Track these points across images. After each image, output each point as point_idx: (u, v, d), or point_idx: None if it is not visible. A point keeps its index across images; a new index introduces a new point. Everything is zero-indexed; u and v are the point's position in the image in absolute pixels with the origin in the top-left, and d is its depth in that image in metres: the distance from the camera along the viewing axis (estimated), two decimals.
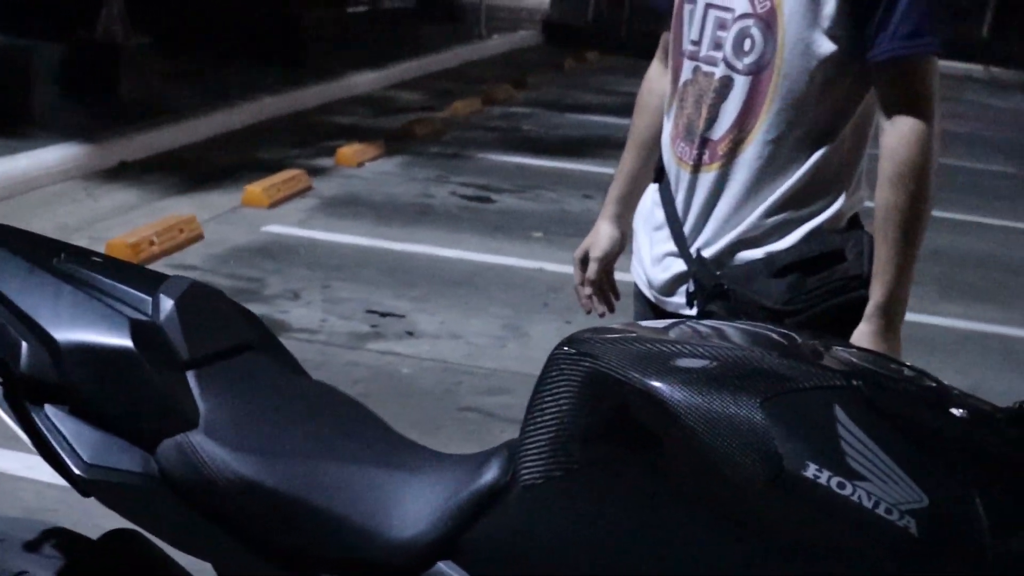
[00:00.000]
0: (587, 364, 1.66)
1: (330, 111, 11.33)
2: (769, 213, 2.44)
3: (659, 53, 2.74)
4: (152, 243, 6.38)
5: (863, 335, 2.32)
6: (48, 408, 1.93)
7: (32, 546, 2.10)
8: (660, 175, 2.62)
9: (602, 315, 2.82)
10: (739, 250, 2.47)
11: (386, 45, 14.22)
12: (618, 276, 2.86)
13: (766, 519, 1.57)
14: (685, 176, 2.51)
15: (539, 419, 1.69)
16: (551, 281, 6.37)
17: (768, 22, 2.36)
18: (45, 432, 1.91)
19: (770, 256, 2.43)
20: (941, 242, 7.91)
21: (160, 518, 1.94)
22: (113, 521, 2.07)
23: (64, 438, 1.91)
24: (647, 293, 2.64)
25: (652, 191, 2.65)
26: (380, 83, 13.09)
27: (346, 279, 6.35)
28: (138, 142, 8.70)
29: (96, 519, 2.16)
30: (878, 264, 2.34)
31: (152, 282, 2.04)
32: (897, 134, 2.31)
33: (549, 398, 1.68)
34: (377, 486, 1.81)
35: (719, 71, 2.43)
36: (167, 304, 1.98)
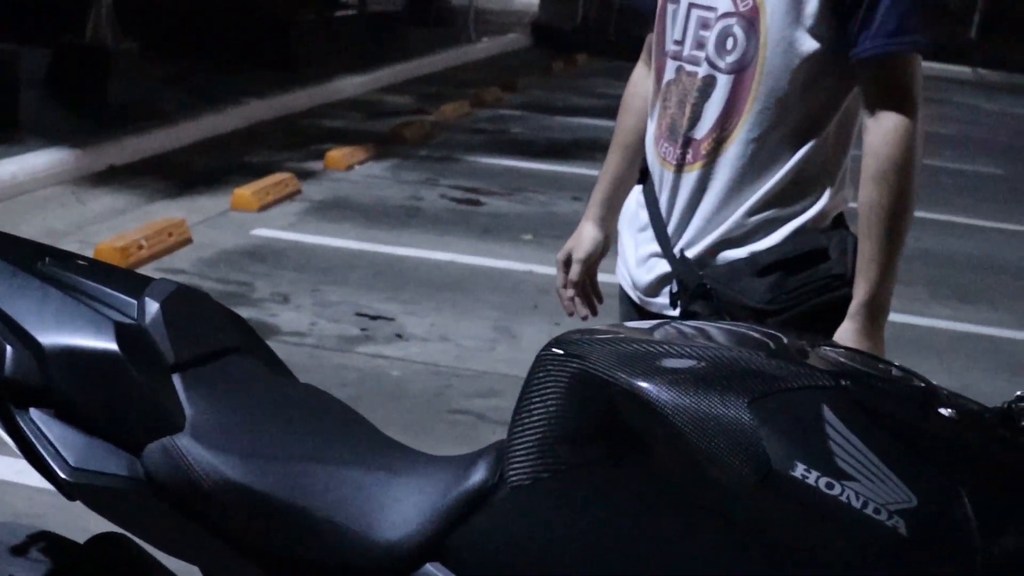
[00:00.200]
0: (574, 365, 1.65)
1: (319, 115, 11.32)
2: (752, 212, 2.44)
3: (643, 55, 2.74)
4: (141, 247, 6.36)
5: (847, 333, 2.32)
6: (33, 412, 1.92)
7: (18, 550, 2.09)
8: (644, 176, 2.62)
9: (584, 318, 2.80)
10: (722, 250, 2.46)
11: (375, 49, 14.21)
12: (603, 278, 2.85)
13: (754, 519, 1.57)
14: (668, 176, 2.50)
15: (526, 420, 1.68)
16: (541, 283, 6.37)
17: (751, 20, 2.36)
18: (30, 436, 1.90)
19: (753, 255, 2.43)
20: (930, 243, 7.93)
21: (146, 521, 1.93)
22: (104, 527, 2.06)
23: (49, 442, 1.90)
24: (632, 295, 2.64)
25: (636, 192, 2.65)
26: (369, 87, 13.09)
27: (335, 282, 6.34)
28: (127, 146, 8.68)
29: (86, 524, 2.15)
30: (862, 262, 2.34)
31: (137, 285, 2.03)
32: (881, 132, 2.31)
33: (536, 399, 1.68)
34: (364, 488, 1.80)
35: (702, 70, 2.43)
36: (152, 307, 1.97)
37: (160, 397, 1.89)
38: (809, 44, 2.34)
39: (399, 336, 5.64)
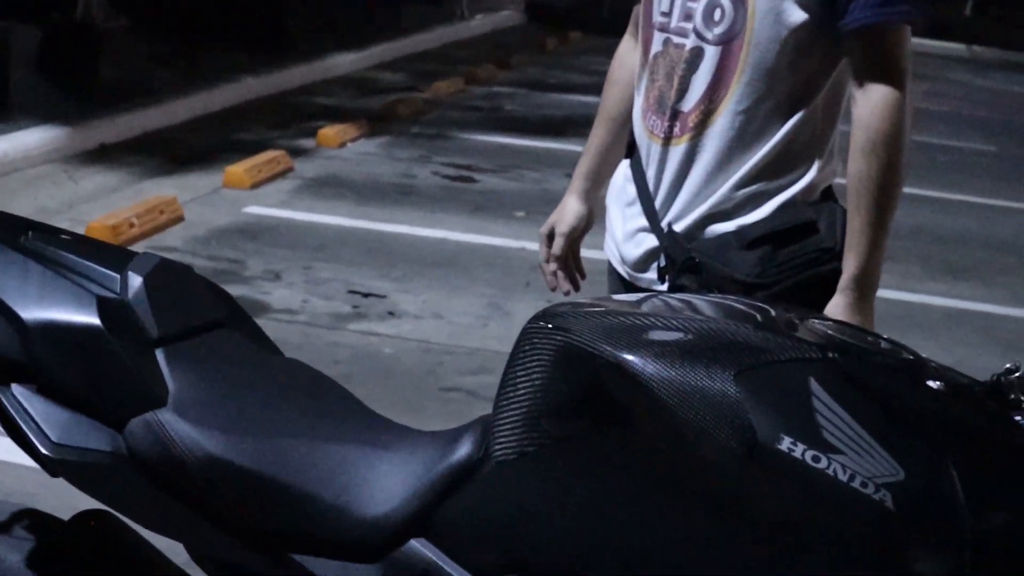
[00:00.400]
0: (559, 338, 1.64)
1: (311, 92, 11.27)
2: (740, 185, 2.42)
3: (631, 27, 2.72)
4: (132, 225, 6.34)
5: (836, 307, 2.30)
6: (15, 387, 1.90)
7: (2, 528, 2.08)
8: (632, 150, 2.59)
9: (567, 293, 2.77)
10: (710, 223, 2.44)
11: (368, 26, 14.14)
12: (590, 254, 2.82)
13: (740, 492, 1.55)
14: (656, 149, 2.48)
15: (512, 394, 1.67)
16: (533, 260, 6.27)
17: None
18: (12, 412, 1.88)
19: (741, 229, 2.41)
20: (923, 220, 7.91)
21: (129, 497, 1.91)
22: (93, 504, 2.05)
23: (31, 418, 1.88)
24: (620, 270, 2.62)
25: (624, 167, 2.63)
26: (362, 64, 13.03)
27: (328, 260, 6.33)
28: (119, 124, 8.64)
29: (77, 503, 2.13)
30: (851, 236, 2.32)
31: (121, 260, 2.01)
32: (870, 103, 2.30)
33: (522, 373, 1.67)
34: (349, 463, 1.79)
35: (689, 42, 2.41)
36: (136, 281, 1.95)
37: (143, 372, 1.88)
38: (797, 15, 2.32)
39: (391, 313, 5.63)
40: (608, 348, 1.60)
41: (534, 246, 6.45)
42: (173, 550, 2.03)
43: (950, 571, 1.53)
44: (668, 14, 2.44)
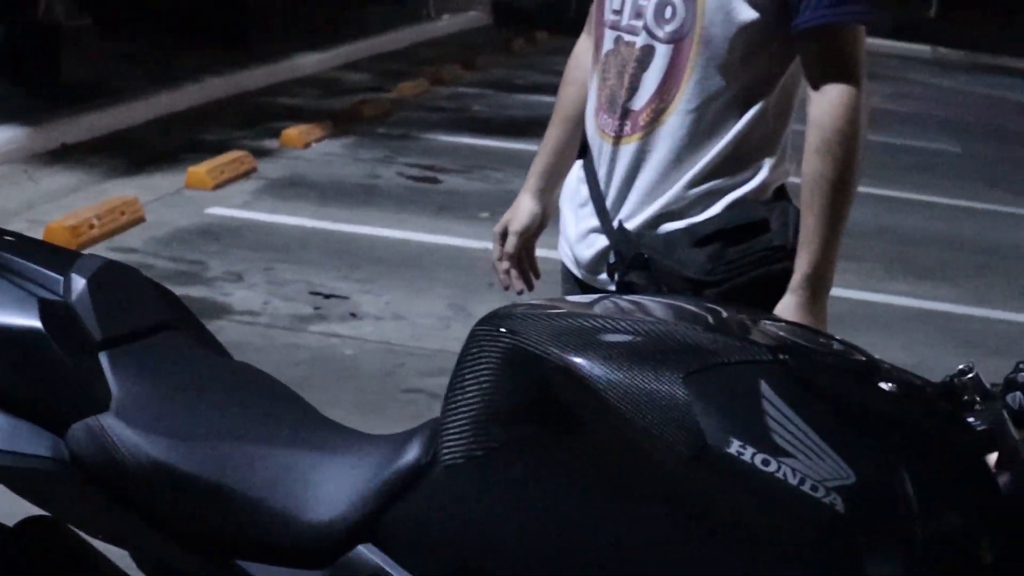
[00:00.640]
0: (507, 340, 1.62)
1: (276, 92, 11.21)
2: (692, 184, 2.40)
3: (587, 26, 2.70)
4: (92, 226, 6.28)
5: (788, 307, 2.28)
6: None
7: None
8: (585, 150, 2.57)
9: (520, 292, 2.76)
10: (662, 223, 2.42)
11: (333, 25, 14.10)
12: (546, 254, 2.80)
13: (689, 496, 1.54)
14: (607, 148, 2.46)
15: (460, 397, 1.66)
16: None
17: None
18: None
19: (692, 226, 2.39)
20: (887, 220, 7.93)
21: (71, 504, 1.89)
22: (37, 511, 2.01)
23: None
24: (575, 271, 2.60)
25: (577, 168, 2.61)
26: (327, 64, 12.98)
27: (290, 261, 6.28)
28: (80, 124, 8.57)
29: (20, 508, 2.09)
30: (804, 235, 2.31)
31: (65, 261, 1.98)
32: (825, 103, 2.28)
33: (470, 375, 1.65)
34: (295, 468, 1.76)
35: (640, 40, 2.39)
36: (79, 283, 1.92)
37: (85, 376, 1.84)
38: (747, 13, 2.30)
39: (353, 315, 5.59)
40: (556, 351, 1.58)
41: None
42: (121, 557, 2.00)
43: (902, 574, 1.52)
44: (619, 12, 2.42)
